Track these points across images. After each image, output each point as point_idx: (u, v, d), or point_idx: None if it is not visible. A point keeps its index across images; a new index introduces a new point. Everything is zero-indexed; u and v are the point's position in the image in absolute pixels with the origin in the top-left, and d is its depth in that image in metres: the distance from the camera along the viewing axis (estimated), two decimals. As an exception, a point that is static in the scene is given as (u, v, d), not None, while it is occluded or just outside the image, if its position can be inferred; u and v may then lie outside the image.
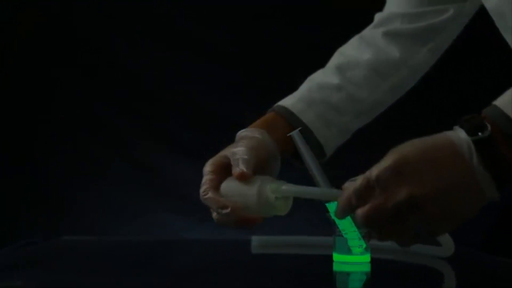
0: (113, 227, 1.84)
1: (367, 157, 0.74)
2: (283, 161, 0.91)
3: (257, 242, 1.15)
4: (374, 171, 0.67)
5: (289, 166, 0.93)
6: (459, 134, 0.66)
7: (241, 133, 0.91)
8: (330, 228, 0.92)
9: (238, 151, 0.85)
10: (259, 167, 0.84)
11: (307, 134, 0.94)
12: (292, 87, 1.00)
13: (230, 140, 0.95)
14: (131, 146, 1.91)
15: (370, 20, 1.10)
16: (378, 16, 1.07)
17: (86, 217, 1.86)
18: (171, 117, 1.90)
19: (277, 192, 0.79)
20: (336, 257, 0.92)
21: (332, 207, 0.86)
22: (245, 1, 1.90)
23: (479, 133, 0.65)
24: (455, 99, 1.73)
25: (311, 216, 1.58)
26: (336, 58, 1.04)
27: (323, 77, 1.00)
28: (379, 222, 0.66)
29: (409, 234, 0.67)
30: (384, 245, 0.87)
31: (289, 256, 1.12)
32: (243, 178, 0.80)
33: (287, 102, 0.97)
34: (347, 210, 0.70)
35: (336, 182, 0.83)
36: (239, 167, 0.82)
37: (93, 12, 1.93)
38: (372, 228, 0.68)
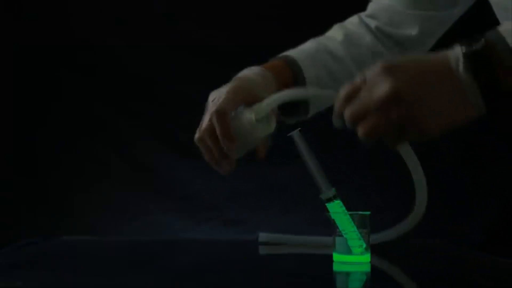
0: (113, 227, 1.84)
1: (367, 158, 0.74)
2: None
3: (264, 239, 1.15)
4: (363, 72, 0.71)
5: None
6: (454, 49, 0.69)
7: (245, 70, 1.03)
8: (330, 228, 0.92)
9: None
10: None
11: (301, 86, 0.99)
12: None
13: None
14: (131, 146, 1.91)
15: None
16: (370, 6, 1.12)
17: (86, 217, 1.86)
18: (171, 117, 1.90)
19: (257, 111, 0.87)
20: (336, 257, 0.91)
21: (332, 207, 0.86)
22: (245, 1, 1.91)
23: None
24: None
25: (311, 216, 1.58)
26: (339, 31, 1.09)
27: (330, 43, 1.06)
28: (365, 115, 0.70)
29: (395, 130, 0.69)
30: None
31: (289, 256, 1.12)
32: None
33: (295, 52, 1.05)
34: (340, 114, 0.74)
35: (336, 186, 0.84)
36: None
37: (93, 12, 1.93)
38: (358, 124, 0.71)
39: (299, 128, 0.86)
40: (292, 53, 1.04)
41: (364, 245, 0.87)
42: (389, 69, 0.69)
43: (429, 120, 0.69)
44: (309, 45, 1.07)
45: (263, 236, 1.15)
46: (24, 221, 1.85)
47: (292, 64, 1.01)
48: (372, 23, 1.07)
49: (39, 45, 1.91)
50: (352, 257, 0.90)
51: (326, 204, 0.86)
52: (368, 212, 0.92)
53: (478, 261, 1.08)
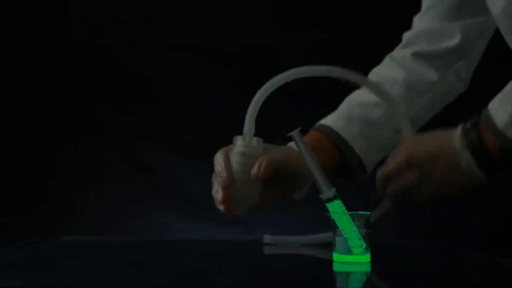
0: (113, 227, 1.84)
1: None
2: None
3: (268, 241, 1.16)
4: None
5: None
6: (458, 127, 0.87)
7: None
8: (330, 228, 0.92)
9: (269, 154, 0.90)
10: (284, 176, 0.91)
11: (348, 151, 0.97)
12: (292, 87, 1.00)
13: (230, 140, 0.96)
14: (131, 146, 1.91)
15: (369, 20, 1.12)
16: (405, 37, 1.09)
17: (86, 217, 1.86)
18: (171, 117, 1.90)
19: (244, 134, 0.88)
20: (336, 257, 0.91)
21: (332, 207, 0.86)
22: (245, 1, 1.91)
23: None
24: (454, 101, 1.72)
25: (311, 216, 1.58)
26: (372, 78, 1.07)
27: (362, 96, 1.05)
28: (389, 180, 0.91)
29: (411, 190, 0.91)
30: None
31: (289, 256, 1.12)
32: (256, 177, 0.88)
33: (328, 120, 1.03)
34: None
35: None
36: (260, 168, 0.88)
37: (93, 12, 1.93)
38: (385, 181, 0.92)
39: (299, 128, 0.86)
40: (323, 121, 1.05)
41: (364, 245, 0.87)
42: (406, 145, 0.91)
43: (435, 184, 0.88)
44: (340, 107, 1.07)
45: (268, 238, 1.15)
46: (24, 221, 1.85)
47: (326, 130, 1.02)
48: (409, 52, 1.07)
49: (39, 45, 1.91)
50: (352, 257, 0.90)
51: (326, 204, 0.85)
52: (368, 212, 0.92)
53: (478, 261, 1.08)
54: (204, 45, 1.91)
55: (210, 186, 1.92)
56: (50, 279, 0.84)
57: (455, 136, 0.85)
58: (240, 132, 0.92)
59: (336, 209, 0.86)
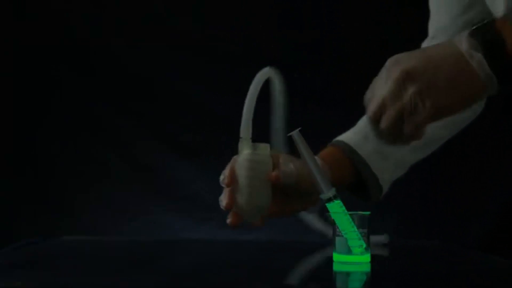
0: (113, 227, 1.84)
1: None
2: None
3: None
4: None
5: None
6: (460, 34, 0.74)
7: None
8: (330, 228, 0.92)
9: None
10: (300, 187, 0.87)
11: (364, 168, 0.95)
12: (291, 87, 1.00)
13: (230, 140, 0.95)
14: (131, 146, 1.91)
15: (369, 20, 1.11)
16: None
17: (86, 217, 1.86)
18: (171, 117, 1.90)
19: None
20: (336, 257, 0.91)
21: (332, 207, 0.86)
22: (245, 1, 1.91)
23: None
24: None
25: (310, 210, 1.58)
26: None
27: None
28: (385, 107, 0.74)
29: (413, 110, 0.73)
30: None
31: (289, 256, 1.12)
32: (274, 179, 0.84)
33: (345, 136, 1.00)
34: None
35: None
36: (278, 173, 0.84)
37: (93, 12, 1.93)
38: (378, 116, 0.76)
39: (299, 128, 0.86)
40: (339, 137, 1.02)
41: (364, 245, 0.87)
42: (397, 59, 0.75)
43: (442, 93, 0.72)
44: (358, 124, 1.04)
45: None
46: (24, 221, 1.85)
47: (342, 146, 0.99)
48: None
49: (39, 45, 1.91)
50: (352, 257, 0.90)
51: (326, 204, 0.85)
52: (368, 212, 0.92)
53: (478, 261, 1.08)
54: (204, 45, 1.91)
55: (210, 186, 1.92)
56: (50, 279, 0.84)
57: (461, 38, 0.72)
58: (239, 132, 0.92)
59: (336, 209, 0.86)
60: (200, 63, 1.91)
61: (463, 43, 0.72)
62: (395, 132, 0.76)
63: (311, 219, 1.10)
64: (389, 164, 0.99)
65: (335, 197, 0.85)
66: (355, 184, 0.97)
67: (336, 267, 0.90)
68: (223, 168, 0.90)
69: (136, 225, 1.85)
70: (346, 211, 0.86)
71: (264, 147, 0.86)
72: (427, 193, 1.81)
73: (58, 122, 1.91)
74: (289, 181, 0.84)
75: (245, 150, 0.85)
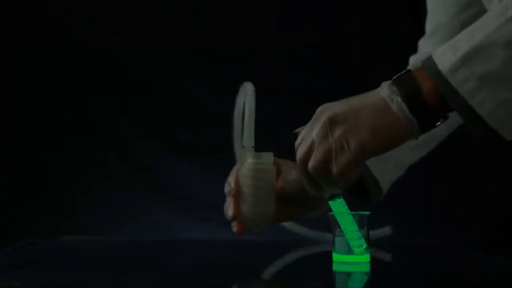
0: (113, 227, 1.84)
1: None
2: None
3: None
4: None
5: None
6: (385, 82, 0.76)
7: None
8: (329, 228, 0.92)
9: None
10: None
11: (364, 171, 0.96)
12: (291, 87, 1.00)
13: (230, 140, 0.95)
14: (131, 146, 1.91)
15: (369, 21, 1.11)
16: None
17: (86, 217, 1.86)
18: (171, 117, 1.90)
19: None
20: (336, 257, 0.91)
21: (334, 205, 0.86)
22: (245, 1, 1.91)
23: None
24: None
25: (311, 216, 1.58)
26: None
27: None
28: (310, 148, 0.77)
29: (338, 152, 0.75)
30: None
31: (289, 256, 1.12)
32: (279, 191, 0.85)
33: None
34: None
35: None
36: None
37: (93, 12, 1.93)
38: (306, 161, 0.77)
39: (302, 128, 0.85)
40: None
41: (365, 245, 0.87)
42: (324, 107, 0.77)
43: (365, 134, 0.74)
44: None
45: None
46: (24, 221, 1.85)
47: None
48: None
49: (39, 45, 1.91)
50: (352, 257, 0.90)
51: (329, 202, 0.85)
52: (367, 212, 0.92)
53: (478, 261, 1.08)
54: (204, 45, 1.91)
55: (210, 186, 1.93)
56: (50, 279, 0.84)
57: (382, 86, 0.76)
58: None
59: (339, 208, 0.86)
60: (200, 63, 1.91)
61: (384, 89, 0.74)
62: (322, 175, 0.77)
63: (289, 225, 1.11)
64: (388, 166, 0.99)
65: (337, 196, 0.85)
66: (355, 186, 0.97)
67: (335, 267, 0.89)
68: (223, 168, 0.90)
69: (136, 225, 1.85)
70: (348, 210, 0.86)
71: (267, 156, 0.86)
72: (427, 193, 1.81)
73: (58, 122, 1.91)
74: (292, 189, 0.84)
75: (248, 159, 0.85)
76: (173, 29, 1.92)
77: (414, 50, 1.10)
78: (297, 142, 0.80)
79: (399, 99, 0.73)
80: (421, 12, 1.11)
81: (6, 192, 1.86)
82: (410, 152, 1.02)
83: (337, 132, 0.75)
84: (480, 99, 0.69)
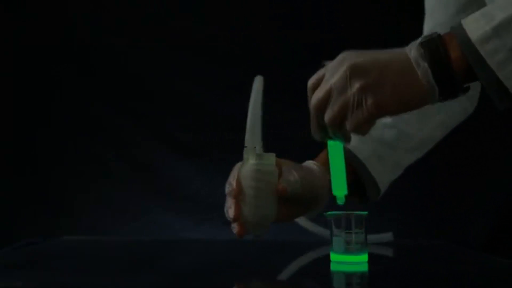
0: (113, 227, 1.84)
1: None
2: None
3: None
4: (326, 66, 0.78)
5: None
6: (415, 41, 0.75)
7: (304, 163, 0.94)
8: (328, 227, 0.92)
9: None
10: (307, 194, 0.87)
11: (362, 170, 0.96)
12: (291, 87, 1.00)
13: (230, 140, 0.95)
14: (131, 146, 1.91)
15: (369, 21, 1.11)
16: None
17: (86, 217, 1.86)
18: (171, 117, 1.90)
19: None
20: (334, 257, 0.91)
21: (333, 146, 0.85)
22: (245, 1, 1.91)
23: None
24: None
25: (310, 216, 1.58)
26: None
27: None
28: (329, 99, 0.76)
29: (355, 105, 0.74)
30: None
31: (288, 256, 1.12)
32: (281, 193, 0.84)
33: None
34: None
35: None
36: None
37: (93, 12, 1.93)
38: (324, 107, 0.76)
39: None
40: None
41: (346, 192, 0.86)
42: (348, 54, 0.76)
43: (385, 93, 0.73)
44: None
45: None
46: (24, 221, 1.85)
47: (346, 153, 0.97)
48: None
49: (39, 45, 1.91)
50: (350, 257, 0.90)
51: (328, 142, 0.84)
52: (365, 212, 0.92)
53: (478, 261, 1.08)
54: (204, 45, 1.91)
55: (210, 186, 1.93)
56: (50, 279, 0.84)
57: (411, 46, 0.74)
58: (240, 132, 0.91)
59: (336, 150, 0.85)
60: (200, 63, 1.91)
61: (412, 50, 0.73)
62: (337, 127, 0.77)
63: (304, 222, 1.10)
64: (386, 166, 1.00)
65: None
66: (352, 186, 0.98)
67: (333, 267, 0.90)
68: (223, 168, 0.90)
69: (136, 225, 1.85)
70: (343, 155, 0.85)
71: (269, 157, 0.84)
72: (427, 193, 1.81)
73: (58, 122, 1.91)
74: (293, 189, 0.84)
75: (250, 160, 0.84)
76: (173, 29, 1.92)
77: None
78: (311, 81, 0.80)
79: (426, 64, 0.72)
80: (421, 12, 1.11)
81: (6, 192, 1.86)
82: (407, 153, 1.03)
83: (357, 84, 0.73)
84: (508, 72, 0.68)
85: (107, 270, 0.93)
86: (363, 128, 0.76)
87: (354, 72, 0.74)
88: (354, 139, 1.00)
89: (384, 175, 0.99)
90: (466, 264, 1.03)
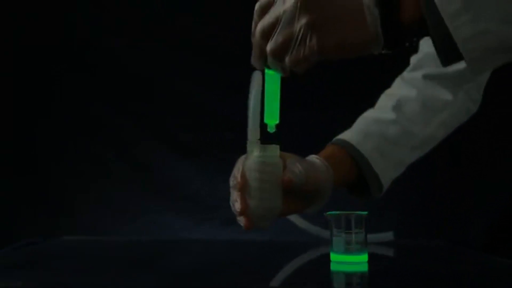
0: (113, 227, 1.84)
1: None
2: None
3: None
4: None
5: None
6: None
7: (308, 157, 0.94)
8: (327, 227, 0.92)
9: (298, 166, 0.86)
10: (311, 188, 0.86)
11: (365, 166, 0.96)
12: (291, 87, 1.00)
13: (230, 140, 0.95)
14: (131, 146, 1.91)
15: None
16: (413, 59, 1.09)
17: (86, 217, 1.86)
18: (171, 117, 1.90)
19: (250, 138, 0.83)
20: (334, 257, 0.91)
21: (270, 77, 0.84)
22: (245, 1, 1.90)
23: None
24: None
25: (310, 216, 1.58)
26: (386, 100, 1.07)
27: (377, 113, 1.04)
28: (274, 29, 0.74)
29: (298, 41, 0.72)
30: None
31: (288, 256, 1.12)
32: (287, 184, 0.82)
33: (346, 135, 1.01)
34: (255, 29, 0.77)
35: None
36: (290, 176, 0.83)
37: (93, 12, 1.93)
38: (268, 35, 0.74)
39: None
40: (340, 136, 1.02)
41: (277, 121, 0.84)
42: None
43: (330, 34, 0.72)
44: (356, 124, 1.04)
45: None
46: (24, 221, 1.85)
47: (344, 144, 0.99)
48: (419, 74, 1.06)
49: (39, 45, 1.91)
50: (350, 257, 0.90)
51: (266, 71, 0.84)
52: (365, 212, 0.92)
53: (478, 261, 1.08)
54: (204, 45, 1.91)
55: (210, 186, 1.92)
56: (50, 279, 0.84)
57: None
58: (240, 132, 0.91)
59: (273, 80, 0.84)
60: (200, 63, 1.91)
61: None
62: (277, 58, 0.75)
63: (296, 219, 1.10)
64: (389, 163, 1.00)
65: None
66: (354, 183, 0.98)
67: (333, 267, 0.90)
68: (223, 168, 0.90)
69: (136, 225, 1.85)
70: (279, 87, 0.84)
71: (274, 148, 0.84)
72: (427, 192, 1.81)
73: (58, 122, 1.91)
74: (298, 181, 0.83)
75: (254, 152, 0.83)
76: (173, 29, 1.92)
77: (414, 49, 1.10)
78: (259, 4, 0.78)
79: (377, 11, 0.70)
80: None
81: (6, 192, 1.86)
82: (410, 151, 1.03)
83: (304, 19, 0.72)
84: (458, 23, 0.66)
85: (107, 270, 0.93)
86: (301, 65, 0.75)
87: (304, 5, 0.72)
88: (357, 135, 1.00)
89: (386, 172, 0.99)
90: (466, 264, 1.03)
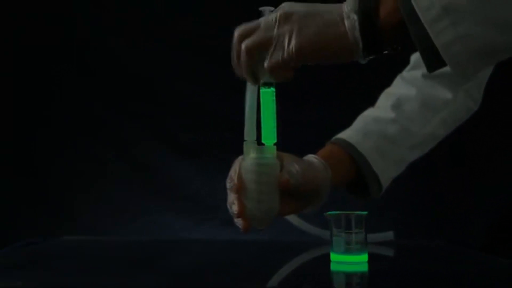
0: (113, 227, 1.84)
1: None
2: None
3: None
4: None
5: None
6: None
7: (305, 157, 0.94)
8: (327, 227, 0.92)
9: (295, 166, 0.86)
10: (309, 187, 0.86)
11: (364, 165, 0.96)
12: (291, 87, 1.00)
13: (230, 140, 0.95)
14: (131, 146, 1.91)
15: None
16: (413, 58, 1.09)
17: (86, 217, 1.86)
18: (171, 117, 1.90)
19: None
20: (334, 257, 0.91)
21: (264, 93, 0.85)
22: (245, 1, 1.90)
23: None
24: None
25: (309, 216, 1.58)
26: (386, 99, 1.07)
27: (377, 112, 1.04)
28: (253, 29, 0.79)
29: (268, 43, 0.76)
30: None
31: (288, 256, 1.12)
32: (284, 185, 0.83)
33: (344, 134, 1.01)
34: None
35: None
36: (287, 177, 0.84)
37: (93, 12, 1.93)
38: (244, 34, 0.80)
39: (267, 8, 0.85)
40: (339, 135, 1.02)
41: (275, 140, 0.84)
42: (287, 4, 0.77)
43: (308, 39, 0.73)
44: (355, 123, 1.04)
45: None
46: (24, 221, 1.85)
47: (343, 143, 0.99)
48: (419, 73, 1.06)
49: (39, 45, 1.91)
50: (350, 257, 0.90)
51: (261, 89, 0.84)
52: (365, 212, 0.92)
53: (478, 261, 1.08)
54: (204, 45, 1.91)
55: (210, 186, 1.92)
56: (50, 279, 0.84)
57: (347, 1, 0.74)
58: (240, 132, 0.91)
59: (267, 97, 0.85)
60: (200, 63, 1.91)
61: (347, 3, 0.73)
62: (250, 59, 0.79)
63: (293, 218, 1.10)
64: (389, 162, 1.00)
65: (270, 84, 0.84)
66: (353, 182, 0.98)
67: (333, 267, 0.90)
68: (223, 168, 0.90)
69: (136, 225, 1.85)
70: (275, 102, 0.85)
71: (270, 149, 0.83)
72: (427, 192, 1.81)
73: (58, 122, 1.91)
74: (295, 181, 0.83)
75: (251, 154, 0.83)
76: (173, 29, 1.92)
77: (414, 48, 1.09)
78: (240, 29, 0.83)
79: (355, 17, 0.71)
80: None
81: (6, 192, 1.86)
82: (409, 150, 1.03)
83: (284, 28, 0.75)
84: (439, 29, 0.66)
85: (107, 270, 0.93)
86: (280, 71, 0.77)
87: (286, 17, 0.75)
88: (357, 134, 1.00)
89: (386, 171, 0.99)
90: (466, 264, 1.03)
